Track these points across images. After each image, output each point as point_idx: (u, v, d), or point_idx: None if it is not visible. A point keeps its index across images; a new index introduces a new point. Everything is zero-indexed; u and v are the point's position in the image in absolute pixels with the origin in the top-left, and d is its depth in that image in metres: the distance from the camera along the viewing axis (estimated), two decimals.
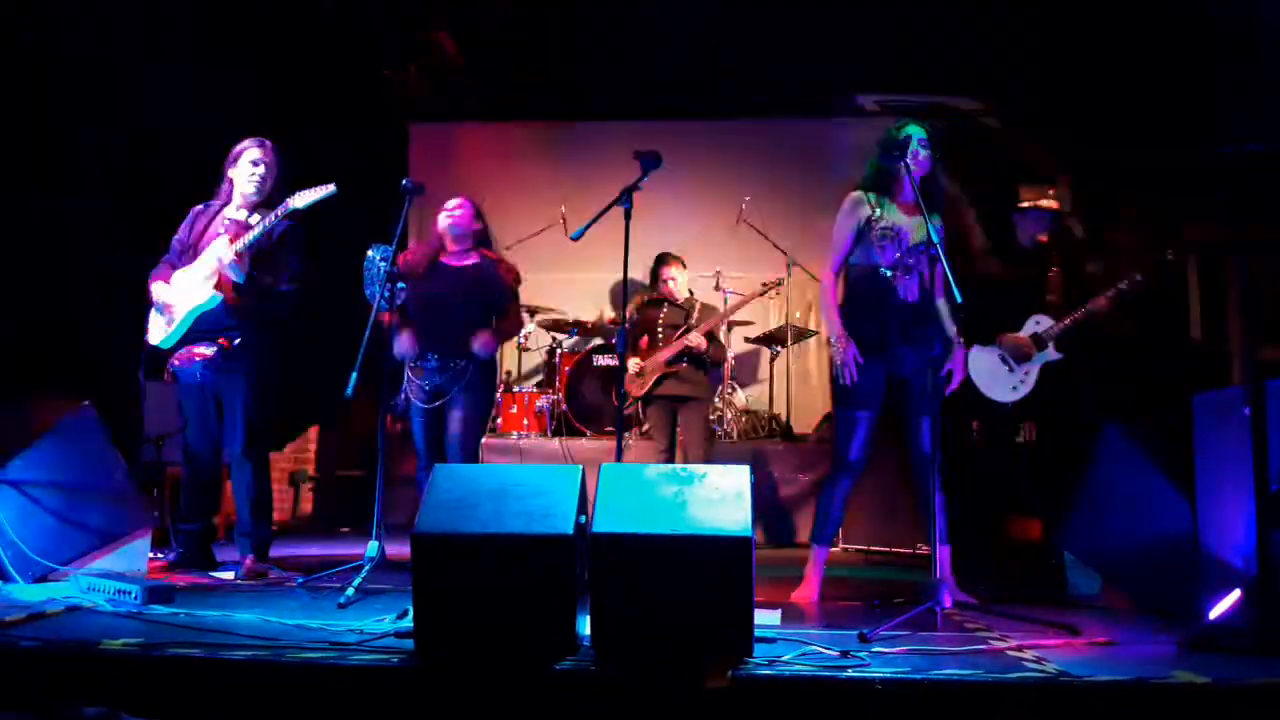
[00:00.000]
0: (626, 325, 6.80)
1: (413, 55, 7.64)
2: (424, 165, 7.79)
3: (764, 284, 6.07)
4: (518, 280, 4.63)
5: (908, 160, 3.64)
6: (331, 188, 4.01)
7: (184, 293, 4.15)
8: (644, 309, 5.87)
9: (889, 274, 3.72)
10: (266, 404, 4.26)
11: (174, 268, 4.26)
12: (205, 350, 4.13)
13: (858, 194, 3.81)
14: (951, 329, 3.86)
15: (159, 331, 4.22)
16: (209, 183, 4.39)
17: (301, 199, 4.01)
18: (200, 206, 4.36)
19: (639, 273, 7.23)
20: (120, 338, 5.21)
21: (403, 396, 4.39)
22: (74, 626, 2.90)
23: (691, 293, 5.90)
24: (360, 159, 7.71)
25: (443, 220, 4.50)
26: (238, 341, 4.14)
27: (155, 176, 5.76)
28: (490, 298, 4.48)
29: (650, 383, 5.57)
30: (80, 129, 5.61)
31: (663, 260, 5.84)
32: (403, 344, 4.34)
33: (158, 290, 4.23)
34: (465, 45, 7.56)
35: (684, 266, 5.86)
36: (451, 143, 8.12)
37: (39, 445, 3.72)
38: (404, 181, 4.05)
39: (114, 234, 5.81)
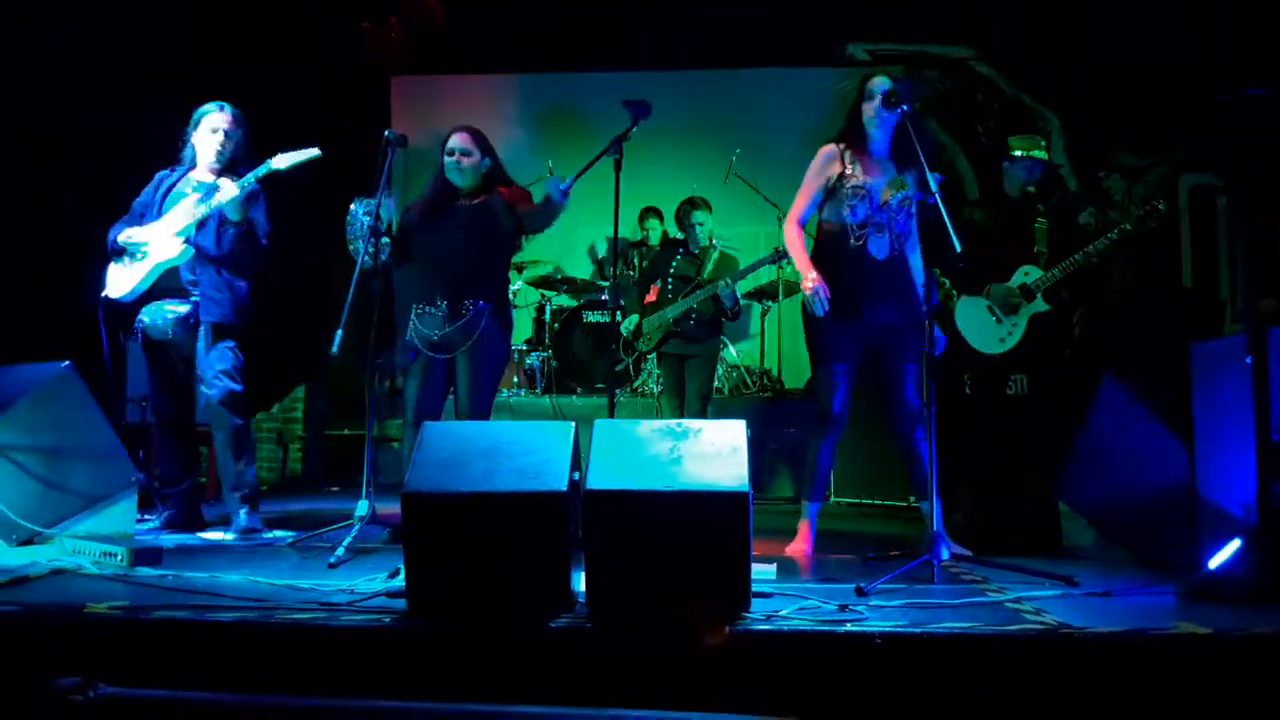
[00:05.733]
0: (634, 274, 6.73)
1: (393, 5, 7.47)
2: (405, 117, 7.64)
3: (776, 249, 5.83)
4: (525, 196, 4.19)
5: (865, 109, 3.71)
6: (315, 151, 3.92)
7: (152, 246, 4.09)
8: (659, 253, 5.73)
9: (860, 232, 3.69)
10: (237, 352, 4.16)
11: (137, 227, 4.20)
12: (178, 307, 4.12)
13: (831, 148, 3.80)
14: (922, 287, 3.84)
15: (120, 285, 4.13)
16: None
17: (282, 160, 3.93)
18: (165, 171, 4.29)
19: (627, 228, 7.20)
20: (100, 296, 5.11)
21: (410, 347, 4.05)
22: (58, 590, 2.86)
23: (712, 240, 5.65)
24: (341, 111, 7.58)
25: (451, 172, 4.10)
26: (196, 298, 4.12)
27: (140, 138, 5.66)
28: (496, 235, 4.09)
29: (655, 340, 5.47)
30: (53, 93, 5.51)
31: (689, 204, 5.56)
32: None
33: (131, 232, 4.13)
34: None
35: (710, 210, 5.58)
36: (433, 95, 7.96)
37: (19, 406, 3.63)
38: (386, 133, 3.94)
39: (101, 197, 5.73)
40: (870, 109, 3.72)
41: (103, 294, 4.18)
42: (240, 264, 4.17)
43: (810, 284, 3.68)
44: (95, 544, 3.30)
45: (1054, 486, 4.11)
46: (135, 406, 5.13)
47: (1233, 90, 2.95)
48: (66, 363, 3.77)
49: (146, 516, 4.33)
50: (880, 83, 3.73)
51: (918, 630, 2.35)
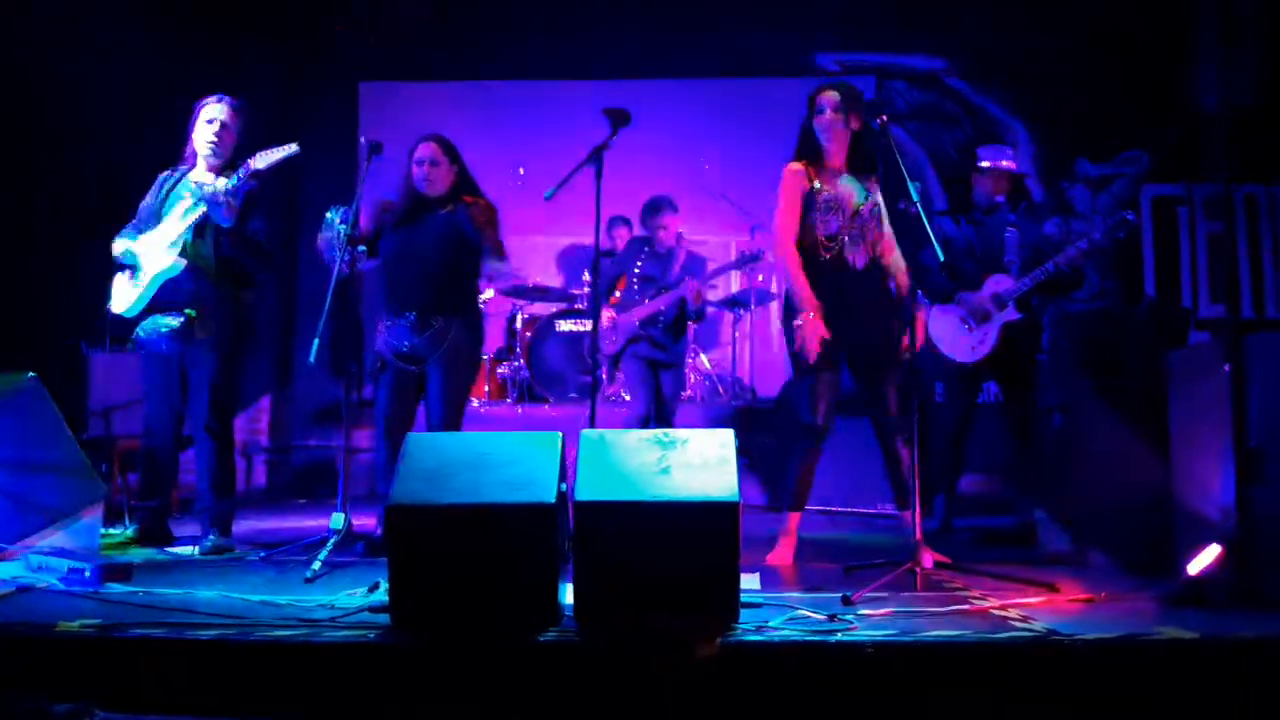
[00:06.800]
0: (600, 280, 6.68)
1: (366, 11, 7.40)
2: (375, 124, 7.56)
3: (742, 254, 5.82)
4: (491, 218, 4.16)
5: (815, 124, 3.72)
6: (294, 148, 3.85)
7: (149, 258, 4.00)
8: (624, 253, 5.68)
9: (830, 245, 3.71)
10: (233, 377, 4.10)
11: (140, 233, 4.09)
12: (171, 320, 3.98)
13: (798, 166, 3.79)
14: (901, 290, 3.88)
15: (124, 299, 4.04)
16: (163, 147, 4.20)
17: (262, 160, 3.85)
18: (167, 172, 4.17)
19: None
20: (67, 307, 5.01)
21: (378, 358, 4.06)
22: (26, 608, 2.78)
23: (680, 238, 5.54)
24: (309, 118, 7.49)
25: (418, 179, 4.09)
26: (198, 311, 3.99)
27: (108, 143, 5.56)
28: (465, 245, 4.07)
29: (623, 342, 5.42)
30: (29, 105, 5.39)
31: (655, 208, 5.43)
32: None
33: (125, 243, 4.04)
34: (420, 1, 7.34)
35: (676, 211, 5.46)
36: (404, 102, 7.87)
37: None
38: (362, 140, 3.90)
39: (64, 203, 5.61)
40: (823, 122, 3.74)
41: (107, 307, 4.09)
42: (241, 273, 4.06)
43: (804, 327, 3.63)
44: (62, 560, 3.20)
45: (1031, 493, 4.15)
46: (100, 419, 5.02)
47: (1218, 100, 3.00)
48: (31, 375, 3.68)
49: (111, 530, 4.23)
50: (830, 96, 3.74)
51: (909, 639, 2.35)
